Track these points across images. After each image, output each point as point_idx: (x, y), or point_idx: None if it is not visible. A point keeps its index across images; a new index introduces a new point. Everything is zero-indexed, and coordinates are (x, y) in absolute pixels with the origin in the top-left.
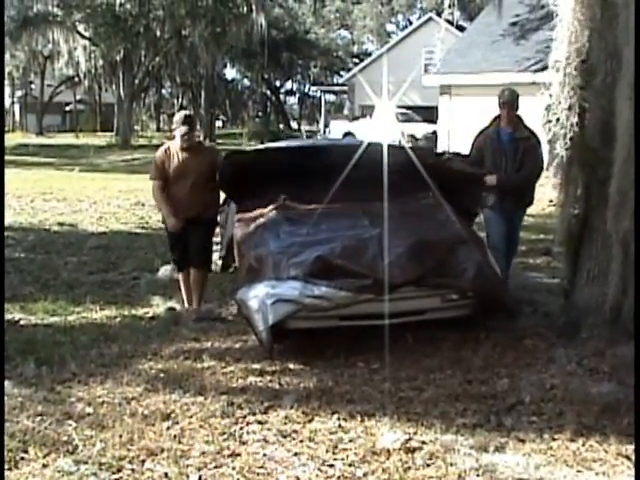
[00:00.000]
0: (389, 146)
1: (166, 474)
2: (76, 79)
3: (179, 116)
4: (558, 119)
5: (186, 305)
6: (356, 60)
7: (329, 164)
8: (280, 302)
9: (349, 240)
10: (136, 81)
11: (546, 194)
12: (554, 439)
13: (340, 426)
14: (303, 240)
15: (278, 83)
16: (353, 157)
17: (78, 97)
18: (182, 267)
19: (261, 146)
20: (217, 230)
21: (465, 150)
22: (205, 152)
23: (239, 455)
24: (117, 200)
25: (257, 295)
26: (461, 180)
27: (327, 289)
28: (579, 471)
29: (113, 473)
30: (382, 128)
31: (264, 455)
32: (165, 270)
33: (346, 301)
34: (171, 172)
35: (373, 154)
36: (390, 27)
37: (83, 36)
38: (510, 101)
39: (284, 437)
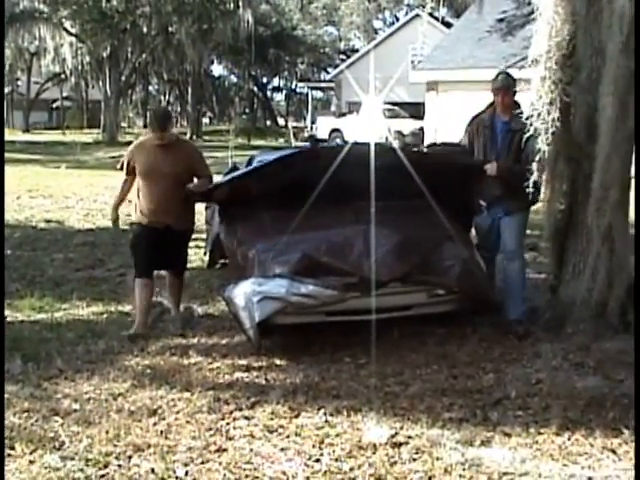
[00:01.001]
0: (376, 145)
1: (153, 470)
2: (63, 76)
3: (154, 112)
4: (539, 114)
5: (137, 315)
6: (343, 56)
7: (315, 169)
8: (266, 300)
9: (335, 237)
10: (123, 78)
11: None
12: (540, 433)
13: (326, 421)
14: (289, 238)
15: (265, 80)
16: (338, 159)
17: (65, 94)
18: (143, 273)
19: (241, 172)
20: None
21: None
22: (182, 150)
23: (225, 450)
24: (104, 197)
25: (244, 292)
26: (456, 173)
27: (313, 287)
28: (565, 465)
29: (100, 469)
30: (369, 124)
31: (250, 450)
32: None
33: (332, 299)
34: (141, 168)
35: (360, 155)
36: (377, 23)
37: (70, 33)
38: (505, 86)
39: (270, 432)
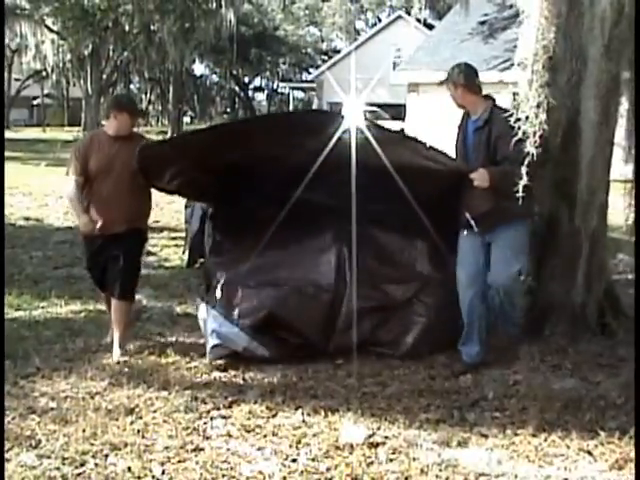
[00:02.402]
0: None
1: (129, 468)
2: (44, 73)
3: (118, 98)
4: (527, 117)
5: (115, 336)
6: (325, 57)
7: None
8: (221, 347)
9: (305, 286)
10: (104, 76)
11: None
12: (516, 434)
13: (304, 421)
14: (259, 276)
15: (247, 79)
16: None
17: (46, 91)
18: (105, 288)
19: None
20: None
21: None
22: (138, 142)
23: (202, 450)
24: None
25: (204, 320)
26: (439, 180)
27: (272, 343)
28: (541, 466)
29: (76, 467)
30: (349, 125)
31: (227, 450)
32: None
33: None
34: (95, 167)
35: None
36: (359, 24)
37: (51, 30)
38: (456, 81)
39: (248, 432)
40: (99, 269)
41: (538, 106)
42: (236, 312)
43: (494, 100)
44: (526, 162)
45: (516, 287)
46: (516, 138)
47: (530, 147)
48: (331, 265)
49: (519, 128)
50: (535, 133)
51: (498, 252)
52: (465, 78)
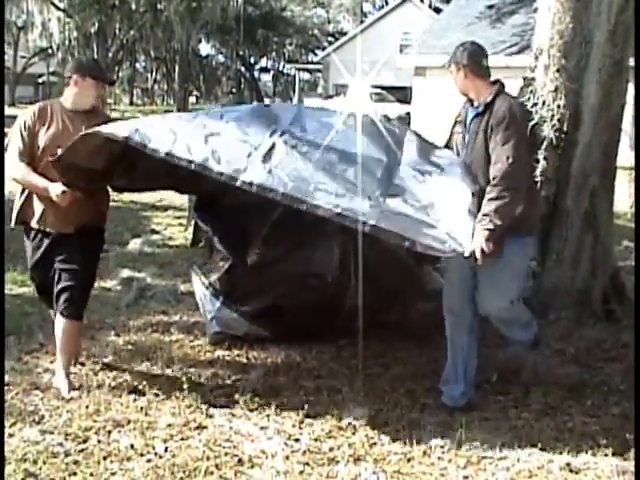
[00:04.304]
0: None
1: (132, 445)
2: (50, 51)
3: (80, 60)
4: (544, 102)
5: (59, 361)
6: (331, 39)
7: None
8: (219, 334)
9: (309, 277)
10: (110, 54)
11: None
12: (519, 418)
13: (307, 401)
14: (263, 265)
15: (253, 60)
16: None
17: (51, 69)
18: (50, 299)
19: None
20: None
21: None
22: (101, 120)
23: (205, 428)
24: None
25: (202, 300)
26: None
27: (274, 327)
28: (543, 450)
29: (79, 443)
30: (356, 107)
31: (230, 428)
32: (135, 243)
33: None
34: (44, 147)
35: None
36: (367, 7)
37: (57, 7)
38: (459, 61)
39: (250, 411)
40: (44, 277)
41: (555, 90)
42: (237, 299)
43: (503, 86)
44: (544, 146)
45: (509, 318)
46: (512, 136)
47: (548, 131)
48: (335, 257)
49: (536, 112)
50: (553, 117)
51: (486, 277)
52: (469, 57)
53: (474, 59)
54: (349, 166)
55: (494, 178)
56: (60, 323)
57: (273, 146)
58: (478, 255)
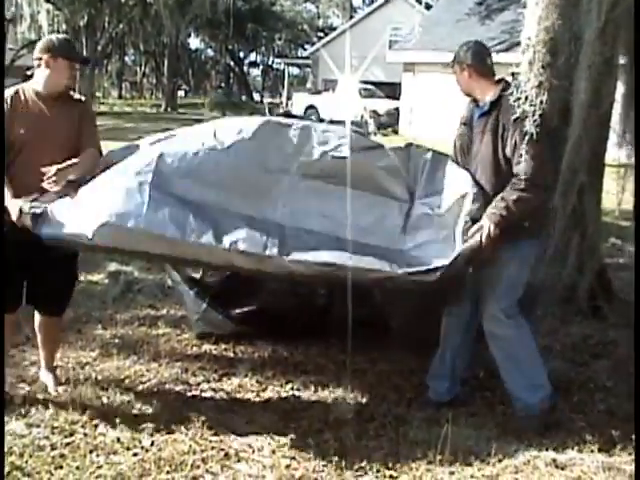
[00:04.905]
0: None
1: (118, 439)
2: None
3: (50, 39)
4: (527, 97)
5: (44, 360)
6: (321, 34)
7: None
8: (207, 333)
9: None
10: (99, 47)
11: None
12: (505, 414)
13: (294, 395)
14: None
15: (242, 54)
16: None
17: None
18: (14, 304)
19: None
20: None
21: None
22: (76, 107)
23: (192, 422)
24: None
25: (189, 301)
26: None
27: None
28: (529, 445)
29: (65, 437)
30: (344, 102)
31: (217, 422)
32: None
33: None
34: (20, 137)
35: None
36: (356, 2)
37: (47, 0)
38: (462, 60)
39: (237, 405)
40: (22, 277)
41: (539, 86)
42: (223, 302)
43: (509, 84)
44: (525, 141)
45: (499, 332)
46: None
47: (530, 126)
48: None
49: (519, 107)
50: (535, 112)
51: (485, 280)
52: (473, 57)
53: (478, 58)
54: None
55: (520, 174)
56: (43, 321)
57: None
58: (484, 239)
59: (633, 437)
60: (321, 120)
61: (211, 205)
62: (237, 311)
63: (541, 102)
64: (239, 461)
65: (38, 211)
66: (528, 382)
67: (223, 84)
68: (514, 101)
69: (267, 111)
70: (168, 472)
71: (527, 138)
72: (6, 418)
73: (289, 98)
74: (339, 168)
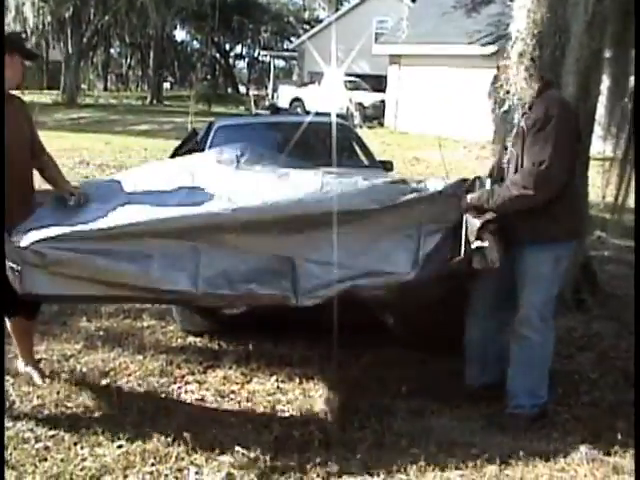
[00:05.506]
0: None
1: (103, 431)
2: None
3: (9, 35)
4: (516, 90)
5: (20, 364)
6: (307, 26)
7: None
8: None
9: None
10: (84, 39)
11: None
12: (489, 406)
13: (278, 388)
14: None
15: (228, 47)
16: None
17: None
18: (13, 310)
19: None
20: None
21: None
22: (22, 107)
23: (176, 413)
24: (61, 159)
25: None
26: None
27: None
28: (514, 438)
29: (50, 429)
30: (330, 95)
31: (201, 414)
32: None
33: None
34: None
35: None
36: None
37: None
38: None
39: (222, 397)
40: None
41: (526, 79)
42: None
43: (549, 84)
44: (514, 133)
45: (528, 335)
46: (539, 140)
47: (518, 118)
48: None
49: (508, 100)
50: (524, 106)
51: (519, 284)
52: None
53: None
54: None
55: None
56: (24, 324)
57: None
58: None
59: (633, 438)
60: (307, 112)
61: None
62: (223, 314)
63: (530, 95)
64: (224, 453)
65: (16, 267)
66: (531, 388)
67: (209, 76)
68: (503, 94)
69: (252, 103)
70: (153, 464)
71: (515, 130)
72: None
73: (275, 90)
74: None
